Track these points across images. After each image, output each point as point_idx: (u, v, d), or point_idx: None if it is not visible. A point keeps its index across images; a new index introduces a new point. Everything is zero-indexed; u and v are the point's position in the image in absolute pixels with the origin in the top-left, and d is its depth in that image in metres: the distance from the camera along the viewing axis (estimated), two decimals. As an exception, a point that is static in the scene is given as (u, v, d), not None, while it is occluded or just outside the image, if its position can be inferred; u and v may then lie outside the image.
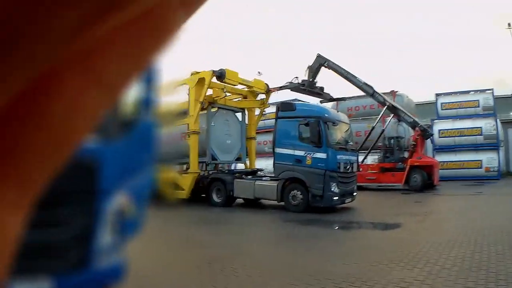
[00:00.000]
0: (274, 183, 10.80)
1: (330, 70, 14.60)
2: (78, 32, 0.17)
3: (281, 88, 13.96)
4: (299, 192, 10.25)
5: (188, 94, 11.99)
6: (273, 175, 11.23)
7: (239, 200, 12.14)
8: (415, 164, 15.43)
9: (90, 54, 0.19)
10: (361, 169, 16.65)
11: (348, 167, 10.54)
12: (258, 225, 8.59)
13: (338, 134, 10.86)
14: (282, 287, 4.20)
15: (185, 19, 0.20)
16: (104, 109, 0.20)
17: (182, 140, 12.15)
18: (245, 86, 13.05)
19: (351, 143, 11.48)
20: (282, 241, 6.85)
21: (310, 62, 14.49)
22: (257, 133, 15.07)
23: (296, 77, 14.05)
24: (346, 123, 11.56)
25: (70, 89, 0.19)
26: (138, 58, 0.20)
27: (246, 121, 14.23)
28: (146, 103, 3.99)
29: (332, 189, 9.89)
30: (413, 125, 15.79)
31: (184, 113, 11.95)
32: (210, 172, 12.94)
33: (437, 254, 4.99)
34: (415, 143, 15.90)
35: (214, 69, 11.46)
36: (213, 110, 12.58)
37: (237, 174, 12.36)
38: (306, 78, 14.16)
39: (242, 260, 5.43)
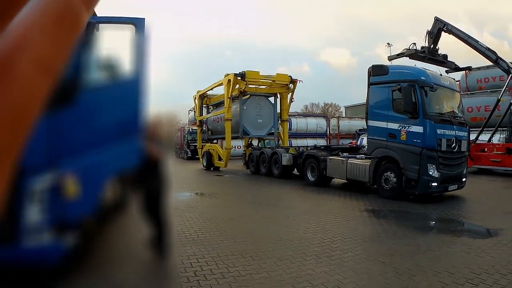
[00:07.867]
0: (367, 163, 9.05)
1: (451, 34, 13.08)
2: None
3: (398, 55, 13.24)
4: (392, 175, 8.36)
5: (224, 90, 15.68)
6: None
7: (340, 180, 10.76)
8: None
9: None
10: (486, 150, 13.82)
11: (454, 145, 8.17)
12: (325, 214, 6.97)
13: (441, 102, 8.52)
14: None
15: (88, 16, 0.26)
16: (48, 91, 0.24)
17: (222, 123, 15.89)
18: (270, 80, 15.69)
19: (460, 115, 8.89)
20: (332, 241, 5.22)
21: (429, 27, 13.30)
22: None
23: (414, 43, 12.97)
24: (453, 90, 9.00)
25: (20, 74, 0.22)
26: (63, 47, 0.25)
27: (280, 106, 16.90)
28: (83, 67, 3.33)
29: (429, 172, 7.77)
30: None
31: (222, 104, 16.44)
32: (309, 148, 13.01)
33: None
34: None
35: (235, 72, 14.53)
36: (245, 97, 15.83)
37: (334, 151, 11.15)
38: (426, 44, 12.94)
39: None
